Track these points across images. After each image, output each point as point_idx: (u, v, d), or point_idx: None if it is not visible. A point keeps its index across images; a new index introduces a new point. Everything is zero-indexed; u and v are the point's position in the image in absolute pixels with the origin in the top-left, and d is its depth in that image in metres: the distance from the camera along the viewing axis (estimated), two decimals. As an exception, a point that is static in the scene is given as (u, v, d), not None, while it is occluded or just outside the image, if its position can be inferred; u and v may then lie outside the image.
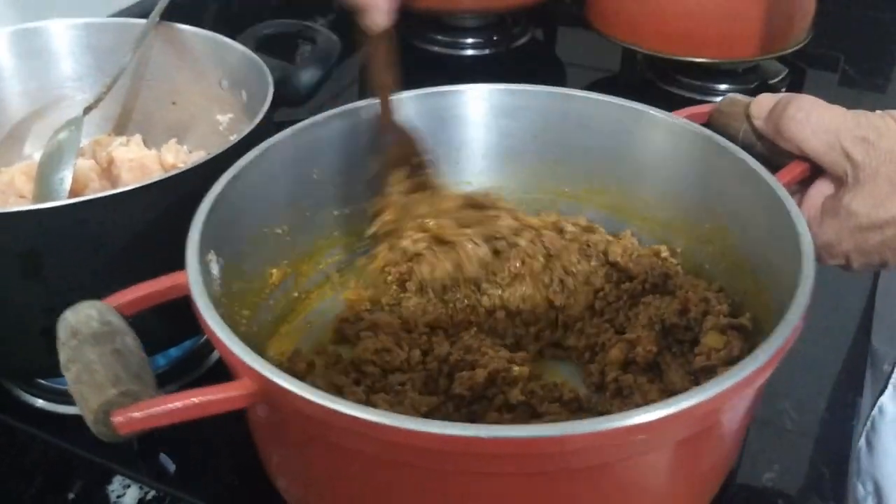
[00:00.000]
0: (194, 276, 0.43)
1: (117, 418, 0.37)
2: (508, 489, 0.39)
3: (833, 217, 0.51)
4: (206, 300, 0.42)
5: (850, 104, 0.53)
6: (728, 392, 0.37)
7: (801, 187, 0.54)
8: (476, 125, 0.64)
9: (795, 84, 1.03)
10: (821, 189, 0.53)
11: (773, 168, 0.53)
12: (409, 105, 0.61)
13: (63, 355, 0.40)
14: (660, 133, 0.60)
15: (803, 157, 0.53)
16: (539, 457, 0.36)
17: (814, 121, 0.51)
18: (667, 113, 0.60)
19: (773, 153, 0.56)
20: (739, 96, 0.60)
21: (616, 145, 0.62)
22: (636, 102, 0.61)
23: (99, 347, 0.39)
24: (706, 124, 0.59)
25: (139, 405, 0.37)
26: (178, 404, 0.38)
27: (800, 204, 0.52)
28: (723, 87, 0.99)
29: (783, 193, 0.50)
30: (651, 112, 0.60)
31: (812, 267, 0.44)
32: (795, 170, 0.54)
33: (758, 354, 0.39)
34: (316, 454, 0.42)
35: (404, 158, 0.59)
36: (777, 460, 0.55)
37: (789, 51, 0.98)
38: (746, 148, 0.56)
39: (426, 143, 0.60)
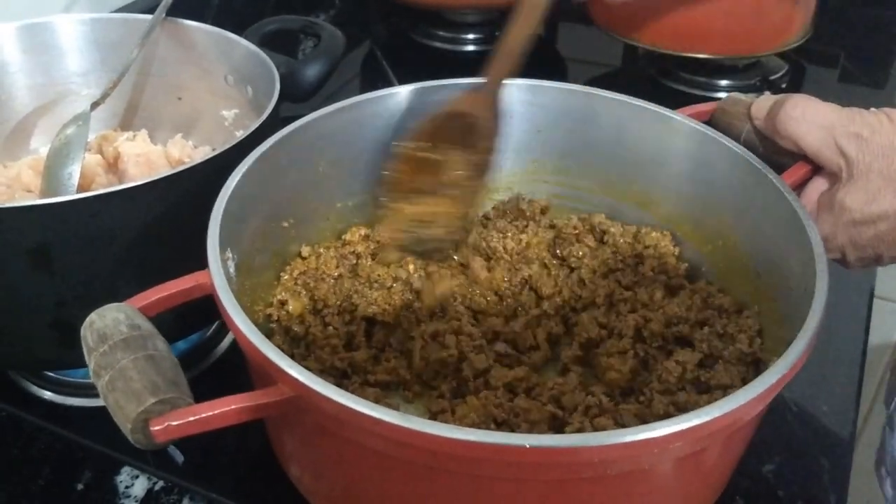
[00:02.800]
0: (219, 280, 0.43)
1: (156, 427, 0.37)
2: (545, 494, 0.40)
3: (828, 212, 0.52)
4: (236, 305, 0.41)
5: (850, 100, 0.54)
6: (766, 393, 0.38)
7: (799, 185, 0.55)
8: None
9: (796, 80, 1.03)
10: (817, 185, 0.54)
11: (776, 169, 0.54)
12: (439, 94, 0.61)
13: (92, 362, 0.39)
14: (665, 132, 0.60)
15: (803, 157, 0.54)
16: (581, 465, 0.37)
17: (809, 118, 0.52)
18: (672, 111, 0.60)
19: (776, 153, 0.57)
20: (742, 96, 0.61)
21: (620, 142, 0.62)
22: (639, 99, 0.61)
23: (131, 353, 0.38)
24: (708, 122, 0.60)
25: (177, 413, 0.37)
26: (216, 412, 0.37)
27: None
28: (724, 82, 1.00)
29: (792, 196, 0.51)
30: (656, 110, 0.60)
31: (825, 273, 0.45)
32: (799, 171, 0.55)
33: (788, 356, 0.39)
34: (347, 456, 0.42)
35: (465, 141, 0.57)
36: (777, 452, 0.55)
37: (790, 47, 0.98)
38: (749, 148, 0.56)
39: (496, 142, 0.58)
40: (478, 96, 0.57)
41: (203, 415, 0.37)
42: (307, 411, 0.39)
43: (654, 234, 0.61)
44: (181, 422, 0.37)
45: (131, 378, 0.37)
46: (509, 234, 0.63)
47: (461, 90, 0.58)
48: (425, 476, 0.40)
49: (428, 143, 0.57)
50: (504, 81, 0.57)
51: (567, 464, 0.36)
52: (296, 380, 0.37)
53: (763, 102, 0.56)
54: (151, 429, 0.37)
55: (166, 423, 0.37)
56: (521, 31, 0.55)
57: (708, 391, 0.49)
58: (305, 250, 0.59)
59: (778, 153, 0.56)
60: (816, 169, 0.54)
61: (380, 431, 0.36)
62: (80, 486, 0.53)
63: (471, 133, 0.57)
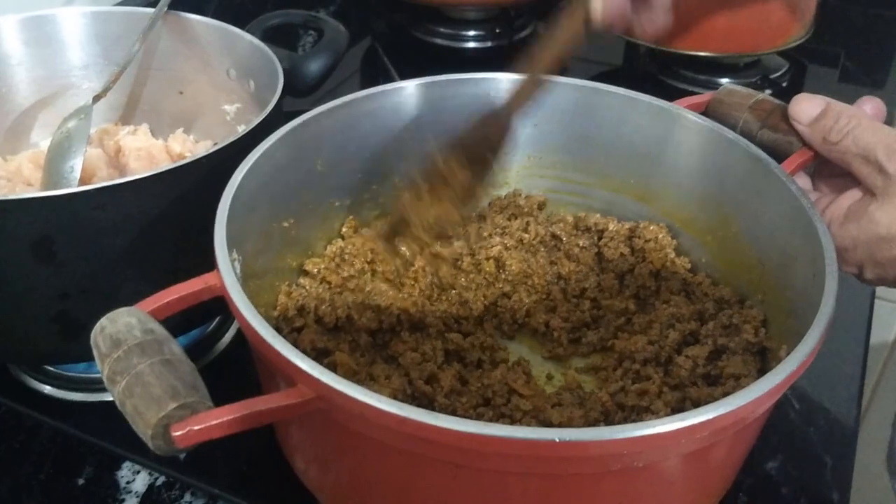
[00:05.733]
0: (230, 281, 0.42)
1: (177, 433, 0.35)
2: (570, 487, 0.40)
3: (854, 222, 0.51)
4: (251, 307, 0.40)
5: (849, 99, 0.55)
6: (788, 379, 0.38)
7: (833, 193, 0.55)
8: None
9: (796, 79, 1.03)
10: (852, 195, 0.53)
11: (776, 159, 0.54)
12: (441, 90, 0.61)
13: (106, 368, 0.38)
14: (662, 123, 0.60)
15: (810, 149, 0.54)
16: (607, 457, 0.37)
17: (857, 133, 0.52)
18: (669, 103, 0.60)
19: (775, 145, 0.57)
20: (737, 87, 0.61)
21: (617, 135, 0.62)
22: (636, 92, 0.61)
23: (147, 358, 0.37)
24: (704, 113, 0.60)
25: (198, 417, 0.36)
26: (237, 415, 0.36)
27: (828, 205, 0.53)
28: (724, 80, 0.99)
29: (795, 186, 0.51)
30: (653, 102, 0.60)
31: (834, 262, 0.45)
32: (797, 160, 0.55)
33: (801, 349, 0.40)
34: (365, 453, 0.42)
35: (482, 150, 0.55)
36: (781, 449, 0.55)
37: (790, 46, 0.98)
38: (745, 137, 0.56)
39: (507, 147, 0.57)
40: (498, 121, 0.55)
41: (225, 418, 0.36)
42: (329, 411, 0.38)
43: (651, 227, 0.61)
44: (203, 426, 0.36)
45: (149, 383, 0.36)
46: (508, 232, 0.63)
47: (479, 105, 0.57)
48: (449, 472, 0.39)
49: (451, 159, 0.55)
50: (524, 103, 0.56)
51: (598, 456, 0.36)
52: (318, 380, 0.37)
53: (806, 107, 0.55)
54: (173, 434, 0.36)
55: (188, 429, 0.36)
56: (563, 32, 0.54)
57: (717, 382, 0.49)
58: (310, 265, 0.59)
59: (776, 143, 0.56)
60: (854, 179, 0.53)
61: (406, 430, 0.35)
62: (80, 481, 0.53)
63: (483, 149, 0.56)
